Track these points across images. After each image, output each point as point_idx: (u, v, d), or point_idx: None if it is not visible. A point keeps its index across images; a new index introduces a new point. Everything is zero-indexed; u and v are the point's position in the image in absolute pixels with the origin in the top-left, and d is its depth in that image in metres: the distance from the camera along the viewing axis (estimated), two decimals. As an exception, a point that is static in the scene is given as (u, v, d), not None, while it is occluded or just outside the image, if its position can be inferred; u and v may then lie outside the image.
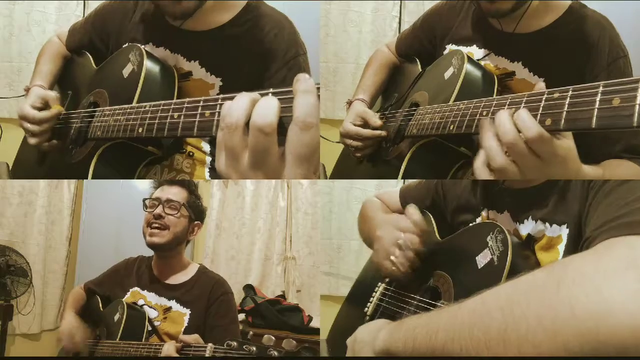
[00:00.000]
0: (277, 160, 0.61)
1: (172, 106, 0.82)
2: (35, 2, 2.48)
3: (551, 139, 0.71)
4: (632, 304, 0.44)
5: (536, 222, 0.87)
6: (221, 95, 0.76)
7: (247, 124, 0.62)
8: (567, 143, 0.74)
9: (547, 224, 0.84)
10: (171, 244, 1.35)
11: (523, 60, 1.09)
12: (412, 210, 1.03)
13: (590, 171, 0.82)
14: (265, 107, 0.61)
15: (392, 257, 1.01)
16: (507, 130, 0.72)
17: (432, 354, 0.60)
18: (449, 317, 0.61)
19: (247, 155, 0.62)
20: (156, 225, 1.33)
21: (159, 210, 1.33)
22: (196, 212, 1.40)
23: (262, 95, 0.64)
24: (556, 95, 0.70)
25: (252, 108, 0.62)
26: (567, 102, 0.68)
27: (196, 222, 1.41)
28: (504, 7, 1.05)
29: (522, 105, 0.75)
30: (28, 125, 1.14)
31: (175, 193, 1.36)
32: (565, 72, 1.04)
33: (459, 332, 0.57)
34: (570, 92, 0.68)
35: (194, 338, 1.17)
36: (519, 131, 0.72)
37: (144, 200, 1.38)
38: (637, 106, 0.59)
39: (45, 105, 1.15)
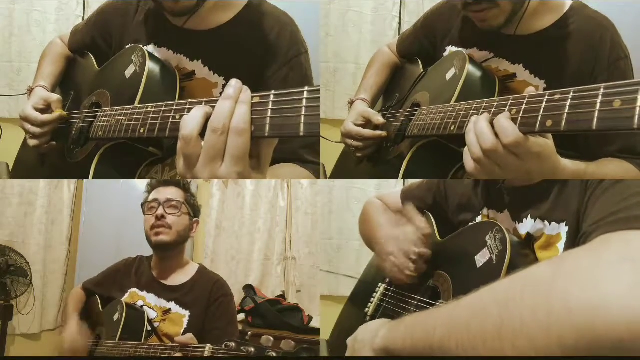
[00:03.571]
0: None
1: (174, 107, 0.83)
2: (35, 2, 2.48)
3: (526, 140, 0.76)
4: (628, 298, 0.44)
5: (535, 220, 0.87)
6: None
7: (201, 134, 0.71)
8: (541, 140, 0.78)
9: (546, 222, 0.85)
10: (176, 242, 1.36)
11: (524, 62, 1.09)
12: (423, 224, 1.05)
13: (569, 165, 0.84)
14: (189, 119, 0.72)
15: (407, 272, 1.03)
16: (486, 138, 0.78)
17: (430, 350, 0.60)
18: (446, 314, 0.61)
19: (200, 158, 0.71)
20: (160, 225, 1.34)
21: (160, 211, 1.34)
22: (194, 209, 1.42)
23: (254, 97, 0.70)
24: (557, 97, 0.70)
25: (205, 119, 0.71)
26: (568, 104, 0.68)
27: (195, 219, 1.42)
28: (495, 23, 1.06)
29: (523, 106, 0.76)
30: (29, 127, 1.13)
31: (173, 192, 1.37)
32: (566, 74, 1.04)
33: (456, 328, 0.57)
34: (571, 94, 0.68)
35: (189, 338, 1.17)
36: (497, 135, 0.77)
37: (142, 204, 1.38)
38: (637, 108, 0.60)
39: (47, 107, 1.15)
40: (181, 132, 0.72)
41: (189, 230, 1.39)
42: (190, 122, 0.72)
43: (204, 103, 0.76)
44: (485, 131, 0.79)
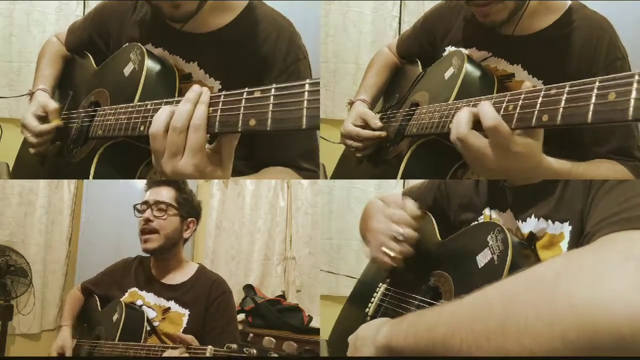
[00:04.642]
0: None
1: (174, 104, 0.82)
2: (35, 2, 2.48)
3: (510, 133, 0.77)
4: (631, 295, 0.45)
5: (538, 219, 0.87)
6: (223, 92, 0.77)
7: (167, 131, 0.79)
8: (525, 140, 0.79)
9: (549, 222, 0.85)
10: (165, 246, 1.36)
11: (522, 63, 1.09)
12: (409, 202, 1.03)
13: (554, 164, 0.84)
14: (156, 118, 0.80)
15: (388, 250, 1.00)
16: (460, 127, 0.83)
17: (432, 347, 0.60)
18: (450, 311, 0.61)
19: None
20: (147, 230, 1.34)
21: (147, 214, 1.34)
22: (188, 208, 1.40)
23: (252, 91, 0.74)
24: (553, 91, 0.71)
25: (170, 118, 0.79)
26: (563, 98, 0.69)
27: (190, 219, 1.41)
28: (498, 19, 1.05)
29: (520, 102, 0.76)
30: (28, 135, 1.15)
31: (163, 194, 1.37)
32: (564, 74, 1.04)
33: (460, 325, 0.57)
34: (567, 89, 0.69)
35: (190, 339, 1.17)
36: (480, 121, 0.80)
37: (134, 206, 1.38)
38: (632, 100, 0.60)
39: (47, 115, 1.16)
40: (149, 130, 0.80)
41: (180, 231, 1.38)
42: (157, 120, 0.80)
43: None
44: (461, 121, 0.83)
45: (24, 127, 1.16)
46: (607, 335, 0.44)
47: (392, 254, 1.00)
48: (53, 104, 1.17)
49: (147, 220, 1.33)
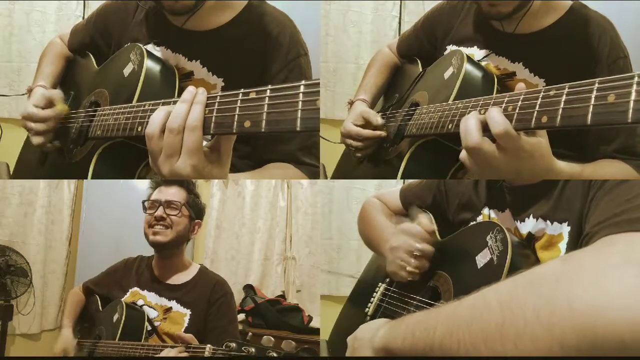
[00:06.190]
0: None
1: (172, 104, 0.82)
2: (35, 2, 2.48)
3: (518, 136, 0.76)
4: (631, 298, 0.44)
5: (537, 220, 0.87)
6: (219, 94, 0.77)
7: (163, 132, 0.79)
8: (535, 140, 0.78)
9: (548, 222, 0.84)
10: (174, 242, 1.36)
11: (524, 61, 1.09)
12: (426, 221, 1.05)
13: (565, 168, 0.84)
14: (152, 119, 0.80)
15: (409, 268, 1.02)
16: (471, 137, 0.80)
17: (430, 349, 0.60)
18: (448, 313, 0.60)
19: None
20: (160, 224, 1.34)
21: (159, 212, 1.34)
22: (196, 210, 1.41)
23: (247, 92, 0.73)
24: (552, 92, 0.71)
25: (167, 119, 0.79)
26: (563, 100, 0.68)
27: (196, 220, 1.42)
28: (504, 10, 1.05)
29: (519, 102, 0.75)
30: (32, 124, 1.12)
31: (174, 193, 1.37)
32: (565, 73, 1.03)
33: (458, 327, 0.56)
34: (566, 90, 0.69)
35: (190, 338, 1.17)
36: (488, 128, 0.78)
37: (143, 202, 1.38)
38: (631, 102, 0.60)
39: (49, 105, 1.15)
40: (145, 131, 0.80)
41: (188, 231, 1.39)
42: (153, 121, 0.80)
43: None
44: (471, 129, 0.80)
45: (26, 119, 1.14)
46: (607, 339, 0.44)
47: (411, 270, 1.02)
48: (56, 91, 1.17)
49: (161, 218, 1.33)
